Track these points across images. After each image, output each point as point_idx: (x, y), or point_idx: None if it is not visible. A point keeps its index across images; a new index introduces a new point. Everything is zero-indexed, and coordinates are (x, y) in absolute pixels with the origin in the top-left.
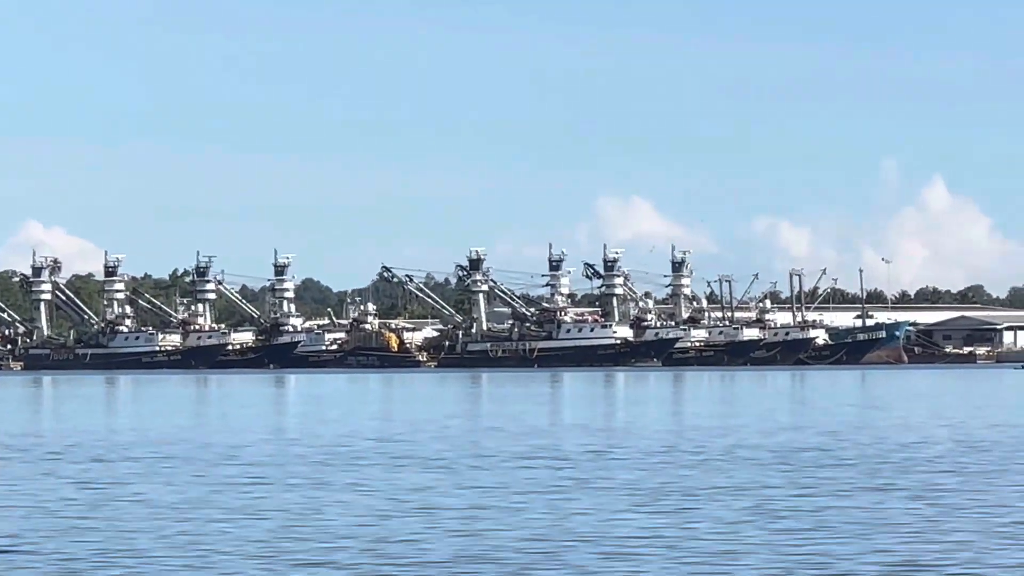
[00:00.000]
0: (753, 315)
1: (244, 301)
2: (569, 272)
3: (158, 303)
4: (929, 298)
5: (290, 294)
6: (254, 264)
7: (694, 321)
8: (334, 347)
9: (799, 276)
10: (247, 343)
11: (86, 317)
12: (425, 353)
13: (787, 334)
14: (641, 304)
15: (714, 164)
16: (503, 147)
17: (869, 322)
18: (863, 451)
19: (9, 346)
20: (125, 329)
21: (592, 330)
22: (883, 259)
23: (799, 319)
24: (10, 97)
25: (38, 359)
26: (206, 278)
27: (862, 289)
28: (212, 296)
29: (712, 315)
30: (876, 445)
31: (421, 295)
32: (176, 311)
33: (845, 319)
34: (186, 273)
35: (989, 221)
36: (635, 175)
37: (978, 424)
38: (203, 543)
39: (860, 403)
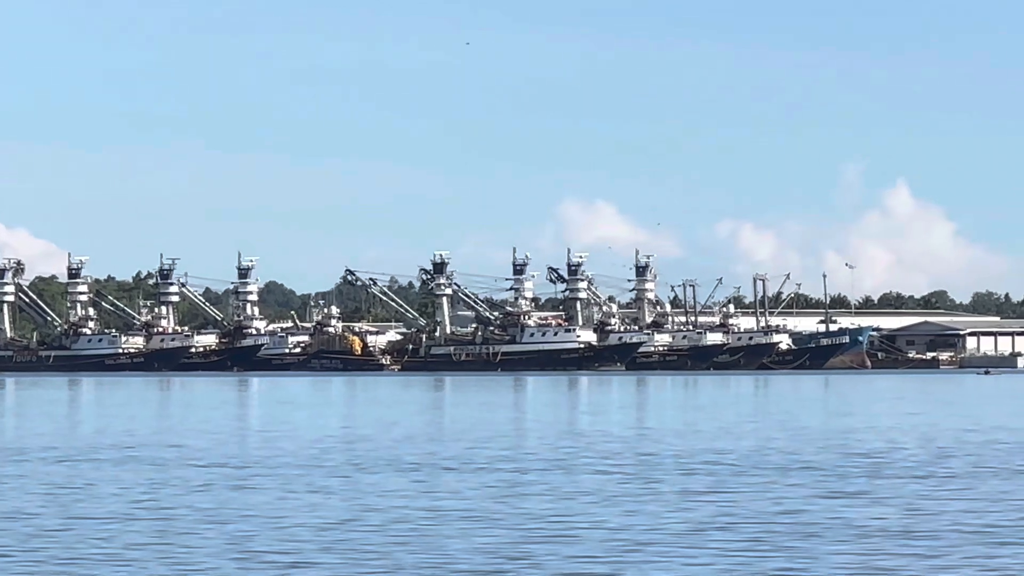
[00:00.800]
0: (717, 320)
1: (208, 304)
2: (533, 276)
3: (121, 305)
4: (892, 303)
5: (254, 297)
6: (218, 267)
7: (658, 325)
8: (297, 350)
9: (763, 281)
10: (210, 346)
11: (49, 319)
12: (388, 356)
13: (751, 339)
14: (605, 308)
15: (678, 168)
16: (468, 150)
17: (833, 327)
18: (827, 456)
19: None
20: (88, 331)
21: (556, 334)
22: (847, 264)
23: (763, 324)
24: None
25: (1, 361)
26: (170, 280)
27: (826, 294)
28: (176, 298)
29: (676, 319)
30: (840, 450)
31: (385, 298)
32: (139, 313)
33: (809, 324)
34: (150, 275)
35: (953, 226)
36: (599, 179)
37: (942, 429)
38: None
39: (824, 408)
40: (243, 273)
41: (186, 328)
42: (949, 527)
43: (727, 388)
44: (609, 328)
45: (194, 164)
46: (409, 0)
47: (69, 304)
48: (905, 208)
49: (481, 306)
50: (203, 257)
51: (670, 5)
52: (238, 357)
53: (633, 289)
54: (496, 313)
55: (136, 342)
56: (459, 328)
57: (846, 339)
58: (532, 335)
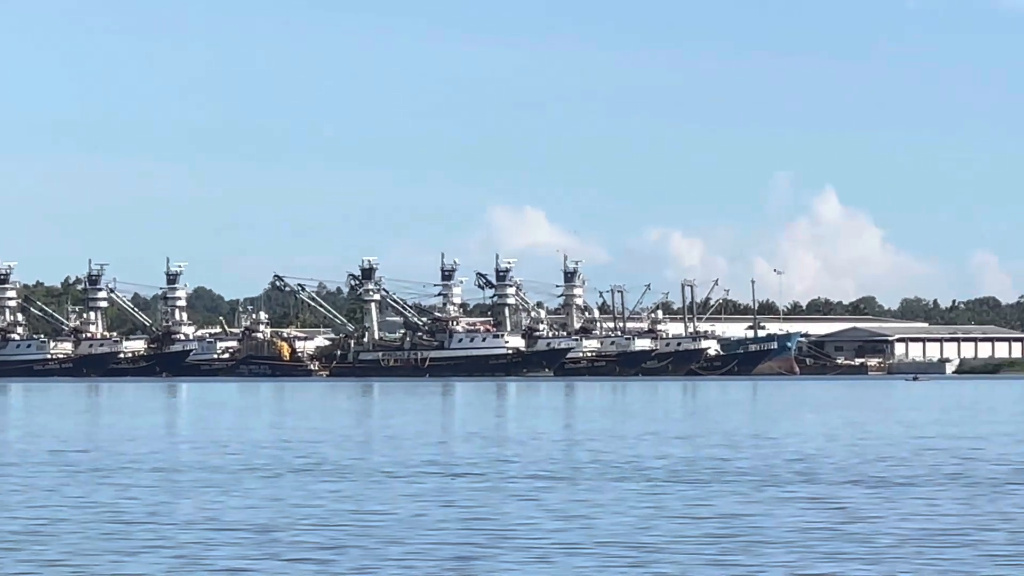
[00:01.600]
0: (645, 325)
1: (136, 309)
2: (461, 282)
3: (50, 311)
4: (821, 309)
5: (182, 302)
6: (146, 272)
7: (586, 331)
8: (226, 356)
9: (691, 287)
10: (139, 351)
11: None
12: (317, 362)
13: (679, 345)
14: (533, 314)
15: (606, 174)
16: (396, 157)
17: (761, 333)
18: (754, 462)
19: None
20: (17, 337)
21: (484, 340)
22: (775, 270)
23: (691, 330)
24: None
25: None
26: (98, 286)
27: (754, 300)
28: (104, 304)
29: (604, 325)
30: (767, 455)
31: (313, 304)
32: (68, 319)
33: (737, 330)
34: (78, 281)
35: (881, 233)
36: (528, 185)
37: (872, 435)
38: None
39: (752, 413)
40: (172, 279)
41: (115, 334)
42: (882, 532)
43: (656, 394)
44: (537, 334)
45: (124, 170)
46: (346, 4)
47: None
48: (833, 215)
49: (409, 312)
50: (132, 263)
51: (600, 10)
52: (167, 363)
53: (562, 295)
54: (425, 319)
55: (65, 348)
56: (388, 334)
57: (774, 345)
58: (460, 341)
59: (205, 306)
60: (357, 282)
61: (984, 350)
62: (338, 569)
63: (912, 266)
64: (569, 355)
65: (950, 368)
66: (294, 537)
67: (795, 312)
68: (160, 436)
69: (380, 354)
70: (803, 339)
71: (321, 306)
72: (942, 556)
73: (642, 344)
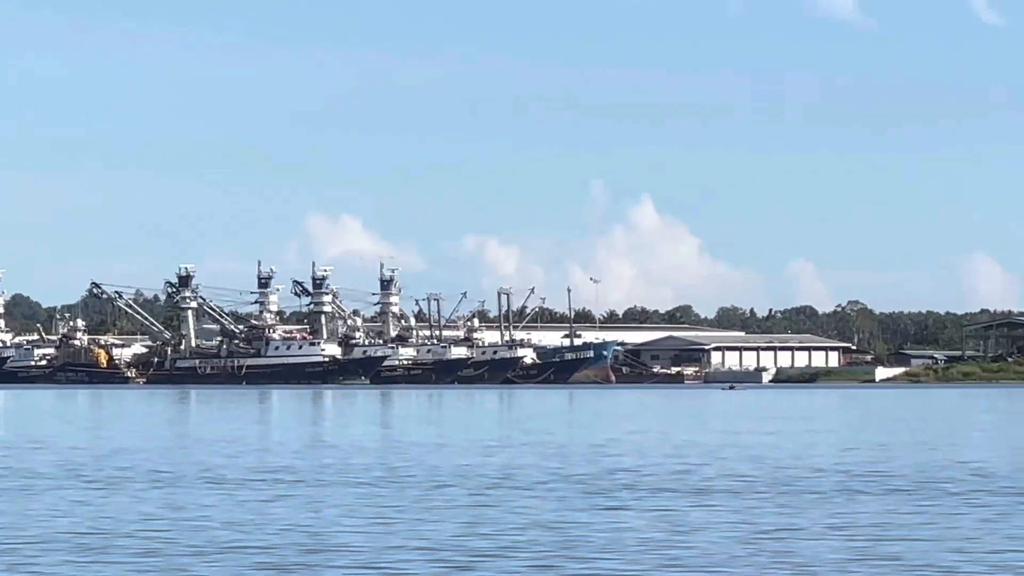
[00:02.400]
0: (461, 333)
1: None
2: (278, 289)
3: None
4: (637, 318)
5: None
6: None
7: (402, 339)
8: (43, 363)
9: (507, 295)
10: None
11: None
12: (134, 369)
13: (495, 353)
14: (349, 322)
15: (423, 182)
16: (213, 164)
17: (577, 341)
18: (571, 470)
19: None
20: None
21: (300, 347)
22: (592, 279)
23: (507, 338)
24: None
25: None
26: None
27: (570, 308)
28: None
29: (420, 333)
30: (584, 463)
31: (130, 311)
32: None
33: (553, 338)
34: None
35: (698, 242)
36: (344, 193)
37: (687, 443)
38: None
39: (568, 422)
40: None
41: None
42: (708, 541)
43: (472, 402)
44: (354, 342)
45: None
46: (168, 14)
47: None
48: (650, 223)
49: (226, 319)
50: None
51: (412, 14)
52: None
53: (378, 303)
54: (241, 327)
55: None
56: (205, 341)
57: (591, 354)
58: (277, 348)
59: (23, 313)
60: (174, 290)
61: (801, 359)
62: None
63: (729, 275)
64: (385, 363)
65: (766, 377)
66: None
67: (611, 321)
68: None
69: (197, 361)
70: (619, 348)
71: (138, 314)
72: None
73: (458, 352)
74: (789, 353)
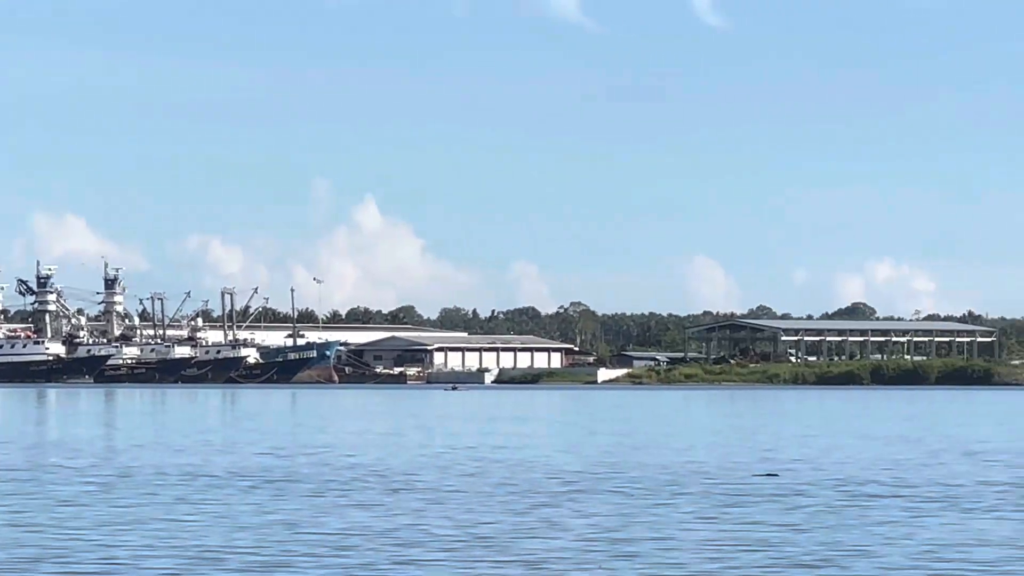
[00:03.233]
0: (185, 333)
1: None
2: (2, 288)
3: None
4: (360, 318)
5: None
6: None
7: (126, 338)
8: None
9: (231, 295)
10: None
11: None
12: None
13: (219, 352)
14: (74, 321)
15: (145, 180)
16: None
17: (300, 341)
18: (301, 470)
19: None
20: None
21: (24, 346)
22: (315, 279)
23: (231, 338)
24: None
25: None
26: None
27: (293, 308)
28: None
29: (144, 332)
30: (313, 463)
31: None
32: None
33: (277, 338)
34: None
35: (421, 243)
36: (69, 192)
37: (410, 442)
38: None
39: (292, 422)
40: None
41: None
42: (435, 536)
43: (195, 401)
44: (78, 341)
45: None
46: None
47: None
48: (373, 224)
49: None
50: None
51: (127, 15)
52: None
53: (102, 302)
54: None
55: None
56: None
57: (314, 353)
58: (1, 347)
59: None
60: None
61: (523, 360)
62: None
63: (452, 276)
64: (109, 362)
65: (489, 378)
66: None
67: (335, 321)
68: None
69: None
70: (342, 348)
71: None
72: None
73: (182, 352)
74: (512, 354)
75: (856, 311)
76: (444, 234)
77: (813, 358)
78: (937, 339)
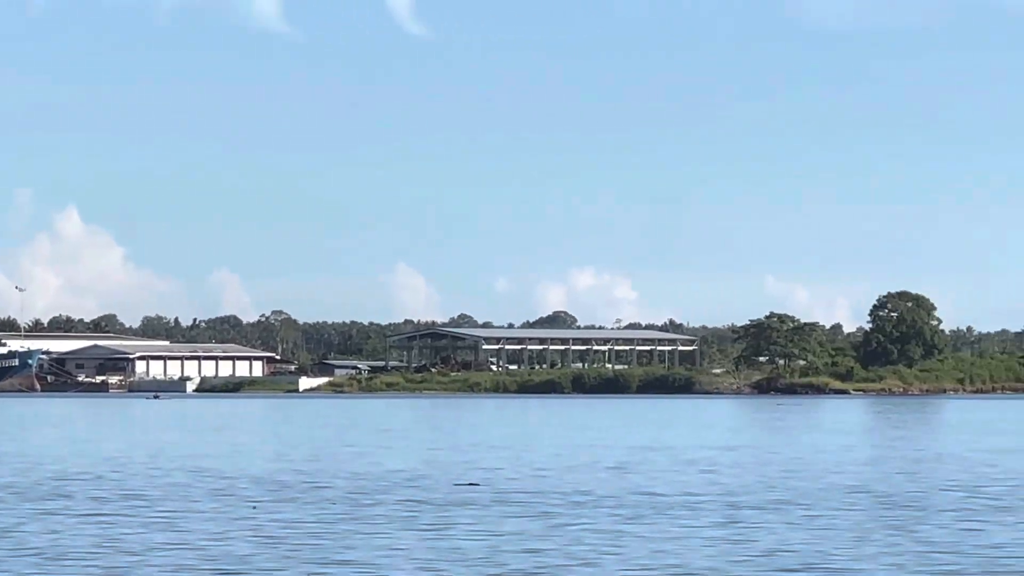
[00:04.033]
0: None
1: None
2: None
3: None
4: (63, 327)
5: None
6: None
7: None
8: None
9: None
10: None
11: None
12: None
13: None
14: None
15: None
16: None
17: (2, 350)
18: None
19: None
20: None
21: None
22: (16, 287)
23: None
24: None
25: None
26: None
27: None
28: None
29: None
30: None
31: None
32: None
33: None
34: None
35: (122, 251)
36: None
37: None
38: None
39: None
40: None
41: None
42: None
43: None
44: None
45: None
46: None
47: None
48: (75, 232)
49: None
50: None
51: None
52: None
53: None
54: None
55: None
56: None
57: (16, 362)
58: None
59: None
60: None
61: (225, 368)
62: None
63: (154, 284)
64: None
65: (191, 386)
66: None
67: (36, 329)
68: None
69: None
70: (44, 356)
71: None
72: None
73: None
74: (213, 362)
75: (557, 320)
76: (146, 242)
77: (514, 366)
78: (638, 348)
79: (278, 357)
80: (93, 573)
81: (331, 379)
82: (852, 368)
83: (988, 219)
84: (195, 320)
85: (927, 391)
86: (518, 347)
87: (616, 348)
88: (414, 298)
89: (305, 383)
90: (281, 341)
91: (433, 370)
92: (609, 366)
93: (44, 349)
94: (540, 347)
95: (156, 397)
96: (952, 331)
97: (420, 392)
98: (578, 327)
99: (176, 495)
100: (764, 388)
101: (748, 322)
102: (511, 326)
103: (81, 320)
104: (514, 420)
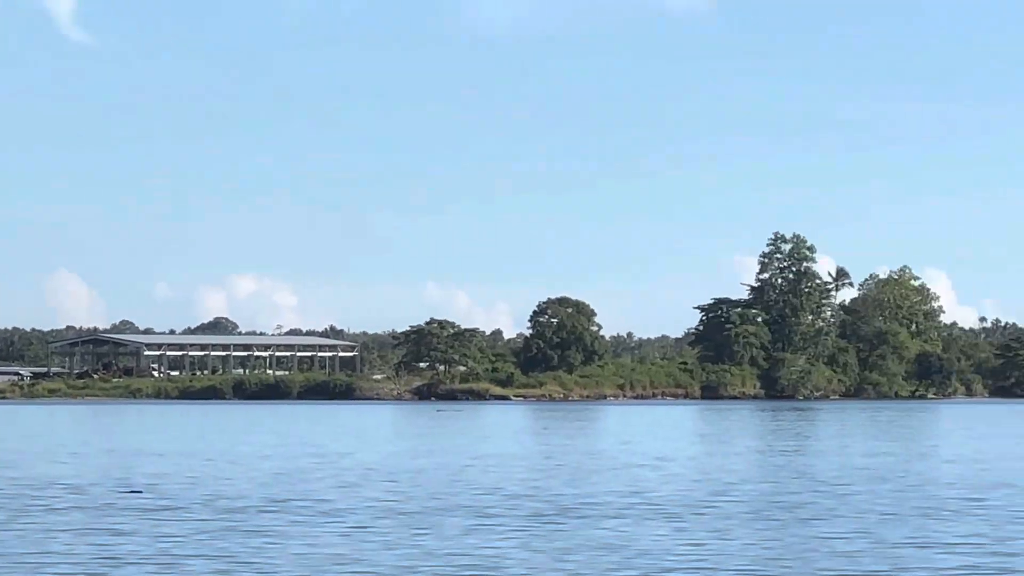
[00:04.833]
0: None
1: None
2: None
3: None
4: None
5: None
6: None
7: None
8: None
9: None
10: None
11: None
12: None
13: None
14: None
15: None
16: None
17: None
18: None
19: None
20: None
21: None
22: None
23: None
24: None
25: None
26: None
27: None
28: None
29: None
30: None
31: None
32: None
33: None
34: None
35: None
36: None
37: None
38: None
39: None
40: None
41: None
42: None
43: None
44: None
45: None
46: None
47: None
48: None
49: None
50: None
51: None
52: None
53: None
54: None
55: None
56: None
57: None
58: None
59: None
60: None
61: None
62: None
63: None
64: None
65: None
66: None
67: None
68: None
69: None
70: None
71: None
72: None
73: None
74: None
75: (219, 326)
76: None
77: (176, 372)
78: (299, 354)
79: None
80: None
81: None
82: (512, 374)
83: (648, 226)
84: None
85: (587, 397)
86: (179, 353)
87: (277, 354)
88: (76, 304)
89: None
90: None
91: (95, 376)
92: (270, 372)
93: None
94: (201, 353)
95: None
96: (612, 337)
97: (82, 398)
98: (239, 333)
99: None
100: (425, 394)
101: (408, 328)
102: (172, 332)
103: None
104: (175, 426)
